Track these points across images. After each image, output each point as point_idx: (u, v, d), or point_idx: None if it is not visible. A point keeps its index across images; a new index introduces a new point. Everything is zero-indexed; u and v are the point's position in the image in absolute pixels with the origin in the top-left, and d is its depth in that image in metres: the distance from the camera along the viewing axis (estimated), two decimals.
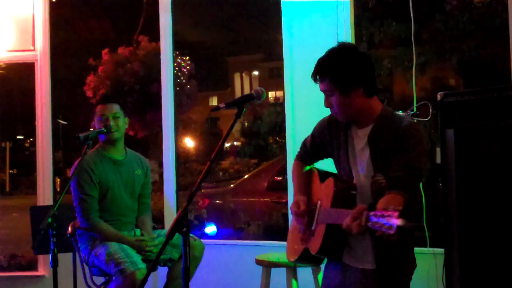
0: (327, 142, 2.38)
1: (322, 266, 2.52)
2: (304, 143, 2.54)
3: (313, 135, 2.48)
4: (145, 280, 2.27)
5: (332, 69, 2.19)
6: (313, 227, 2.31)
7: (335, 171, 2.41)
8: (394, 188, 2.06)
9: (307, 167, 2.50)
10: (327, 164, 2.52)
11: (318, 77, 2.23)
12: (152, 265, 2.39)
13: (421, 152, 2.15)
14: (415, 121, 2.27)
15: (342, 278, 2.30)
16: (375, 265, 2.18)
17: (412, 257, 2.28)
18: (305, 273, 3.34)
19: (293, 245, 2.51)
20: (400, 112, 3.16)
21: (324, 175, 2.40)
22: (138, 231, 3.46)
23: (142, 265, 3.12)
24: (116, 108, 3.44)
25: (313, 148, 2.49)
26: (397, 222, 1.76)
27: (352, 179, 2.26)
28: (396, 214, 1.77)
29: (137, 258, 3.19)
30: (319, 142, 2.44)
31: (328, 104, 2.25)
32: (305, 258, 2.41)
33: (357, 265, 2.23)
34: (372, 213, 1.86)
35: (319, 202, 2.33)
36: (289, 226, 2.62)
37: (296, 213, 2.36)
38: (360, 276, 2.21)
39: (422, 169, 2.13)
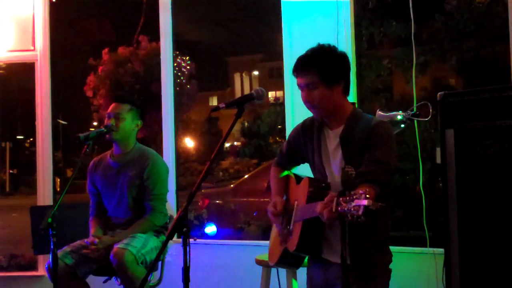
0: (302, 147, 2.43)
1: (298, 271, 2.51)
2: (281, 150, 2.60)
3: (288, 141, 2.53)
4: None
5: (319, 62, 2.24)
6: (291, 227, 2.34)
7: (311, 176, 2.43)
8: (365, 181, 2.11)
9: (284, 173, 2.55)
10: (304, 171, 2.55)
11: (301, 70, 2.27)
12: (151, 266, 2.38)
13: (390, 149, 2.20)
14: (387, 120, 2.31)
15: (324, 276, 2.32)
16: (349, 259, 2.19)
17: (387, 251, 2.30)
18: (305, 273, 3.33)
19: (274, 249, 2.56)
20: (400, 112, 3.16)
21: (300, 178, 2.45)
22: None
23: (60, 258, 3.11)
24: (121, 108, 3.33)
25: (289, 154, 2.54)
26: (364, 202, 1.79)
27: (326, 179, 2.30)
28: (364, 195, 1.81)
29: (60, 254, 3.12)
30: (294, 148, 2.49)
31: (309, 98, 2.27)
32: (285, 260, 2.45)
33: (336, 260, 2.24)
34: (341, 198, 1.89)
35: (296, 202, 2.37)
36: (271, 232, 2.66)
37: (273, 213, 2.41)
38: (340, 271, 2.22)
39: (391, 164, 2.17)
